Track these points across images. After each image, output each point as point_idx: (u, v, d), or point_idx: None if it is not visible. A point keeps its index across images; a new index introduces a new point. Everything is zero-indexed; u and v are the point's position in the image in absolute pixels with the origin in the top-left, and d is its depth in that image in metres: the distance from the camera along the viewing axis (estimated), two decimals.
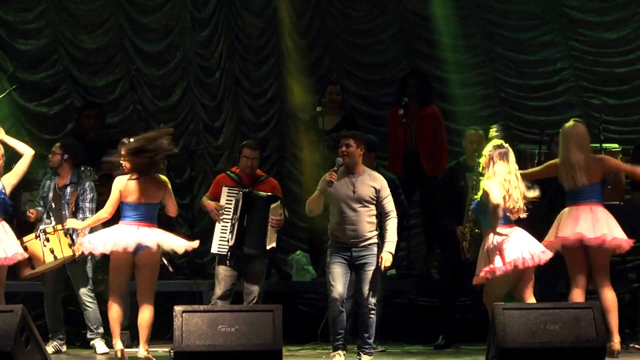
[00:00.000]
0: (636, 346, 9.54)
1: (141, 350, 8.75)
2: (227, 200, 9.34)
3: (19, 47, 12.33)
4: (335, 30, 12.52)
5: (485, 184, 8.42)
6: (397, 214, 8.96)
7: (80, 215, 9.60)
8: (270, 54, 12.44)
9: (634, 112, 12.13)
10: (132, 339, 9.99)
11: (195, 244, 8.90)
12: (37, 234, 9.37)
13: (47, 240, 9.36)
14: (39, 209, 9.78)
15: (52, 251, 9.35)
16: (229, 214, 9.29)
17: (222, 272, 9.31)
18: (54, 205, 9.70)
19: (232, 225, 9.23)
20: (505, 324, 7.79)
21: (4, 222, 8.97)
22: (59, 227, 9.45)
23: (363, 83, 12.48)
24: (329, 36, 12.52)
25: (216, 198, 9.45)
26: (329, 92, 11.16)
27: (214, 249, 9.34)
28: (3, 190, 9.02)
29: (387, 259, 8.64)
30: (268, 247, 9.25)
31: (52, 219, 9.64)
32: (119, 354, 8.77)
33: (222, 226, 9.31)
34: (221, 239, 9.29)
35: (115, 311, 8.80)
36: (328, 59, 12.49)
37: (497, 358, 7.85)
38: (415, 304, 11.48)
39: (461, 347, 9.31)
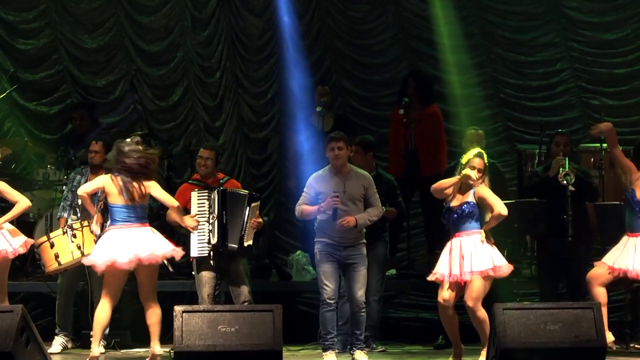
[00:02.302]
0: (636, 346, 9.53)
1: (157, 348, 8.57)
2: (198, 203, 9.19)
3: (19, 47, 12.34)
4: (336, 31, 12.52)
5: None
6: (396, 215, 9.12)
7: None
8: (270, 54, 12.44)
9: (633, 112, 12.13)
10: (132, 339, 9.99)
11: None
12: (65, 230, 9.29)
13: (74, 236, 9.25)
14: (64, 215, 9.70)
15: (79, 247, 9.24)
16: (204, 216, 9.14)
17: (205, 274, 9.17)
18: (80, 202, 9.62)
19: (212, 225, 9.11)
20: (505, 324, 7.79)
21: None
22: (86, 223, 9.30)
23: (363, 84, 12.48)
24: (329, 37, 12.52)
25: (182, 208, 9.14)
26: (318, 93, 11.10)
27: (194, 253, 9.16)
28: None
29: (349, 221, 8.68)
30: (245, 244, 9.13)
31: (79, 215, 9.58)
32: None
33: (199, 229, 9.11)
34: (200, 241, 9.14)
35: (106, 312, 8.50)
36: (328, 59, 12.50)
37: (497, 358, 7.85)
38: (415, 304, 11.49)
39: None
